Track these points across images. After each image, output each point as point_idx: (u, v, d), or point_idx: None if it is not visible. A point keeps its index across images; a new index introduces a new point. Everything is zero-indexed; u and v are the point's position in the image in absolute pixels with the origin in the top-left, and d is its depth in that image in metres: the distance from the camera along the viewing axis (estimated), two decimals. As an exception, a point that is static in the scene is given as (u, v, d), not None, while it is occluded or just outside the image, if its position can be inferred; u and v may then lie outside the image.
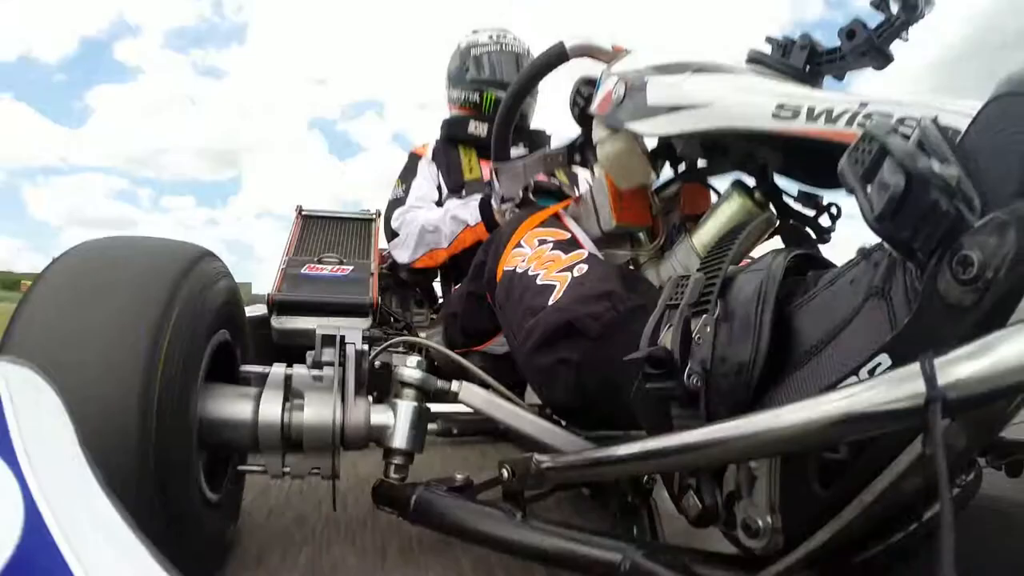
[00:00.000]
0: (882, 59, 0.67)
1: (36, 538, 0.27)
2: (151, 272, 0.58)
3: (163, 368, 0.53)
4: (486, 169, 1.68)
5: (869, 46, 0.66)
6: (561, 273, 0.75)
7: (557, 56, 0.94)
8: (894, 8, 0.65)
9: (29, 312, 0.54)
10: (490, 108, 1.72)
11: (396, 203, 1.68)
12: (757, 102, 0.64)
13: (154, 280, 0.57)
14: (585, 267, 0.74)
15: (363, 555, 0.74)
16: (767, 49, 0.74)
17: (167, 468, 0.53)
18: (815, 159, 0.65)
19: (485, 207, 1.49)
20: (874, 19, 0.67)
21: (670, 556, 0.53)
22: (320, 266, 1.39)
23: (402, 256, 1.63)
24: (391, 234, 1.65)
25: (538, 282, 0.76)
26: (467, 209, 1.53)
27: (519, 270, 0.80)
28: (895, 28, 0.65)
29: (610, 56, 0.87)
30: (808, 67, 0.71)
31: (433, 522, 0.67)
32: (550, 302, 0.72)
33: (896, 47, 0.66)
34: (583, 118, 0.89)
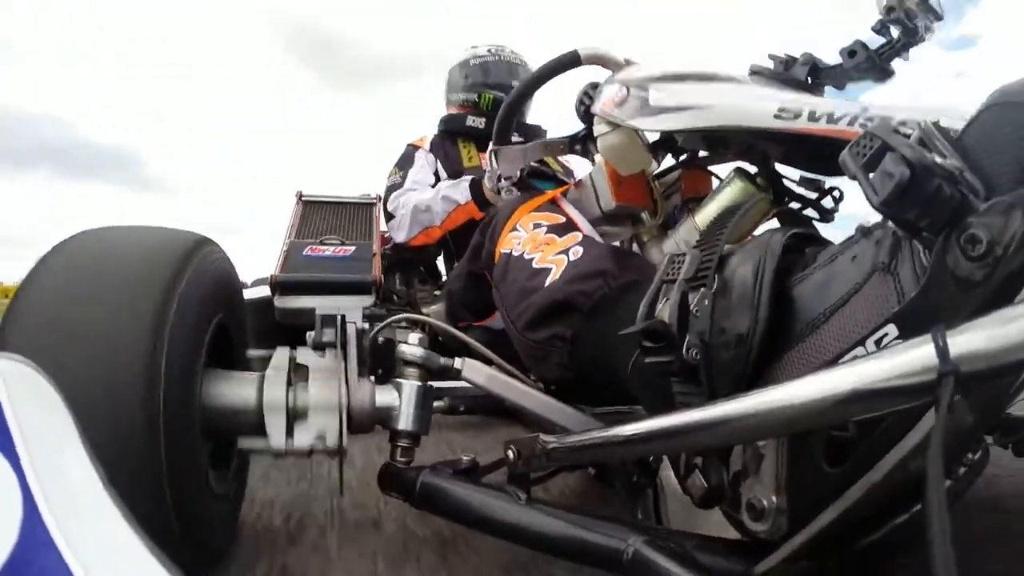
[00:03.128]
0: (883, 74, 0.70)
1: (33, 538, 0.27)
2: (152, 260, 0.57)
3: (167, 354, 0.52)
4: (484, 160, 1.75)
5: (871, 64, 0.68)
6: (557, 256, 0.76)
7: (570, 61, 0.98)
8: (895, 32, 0.68)
9: (28, 302, 0.52)
10: (488, 105, 1.82)
11: (393, 188, 1.76)
12: (759, 104, 0.66)
13: (154, 268, 0.57)
14: (580, 250, 0.75)
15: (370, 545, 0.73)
16: (769, 65, 0.77)
17: (174, 457, 0.52)
18: (815, 151, 0.67)
19: (475, 186, 1.56)
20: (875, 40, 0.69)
21: (674, 543, 0.53)
22: (322, 247, 1.40)
23: (399, 236, 1.71)
24: (388, 216, 1.73)
25: (533, 265, 0.77)
26: (457, 189, 1.60)
27: (515, 253, 0.81)
28: (896, 50, 0.68)
29: (620, 68, 0.91)
30: (810, 80, 0.74)
31: (438, 508, 0.66)
32: (545, 284, 0.74)
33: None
34: (587, 115, 0.93)
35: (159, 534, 0.49)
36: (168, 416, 0.51)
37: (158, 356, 0.51)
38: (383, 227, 1.71)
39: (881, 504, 0.44)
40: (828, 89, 0.75)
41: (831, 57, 0.73)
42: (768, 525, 0.47)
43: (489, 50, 1.92)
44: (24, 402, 0.32)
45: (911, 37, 0.67)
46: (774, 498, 0.47)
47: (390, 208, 1.72)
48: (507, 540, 0.62)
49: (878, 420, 0.42)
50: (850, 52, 0.71)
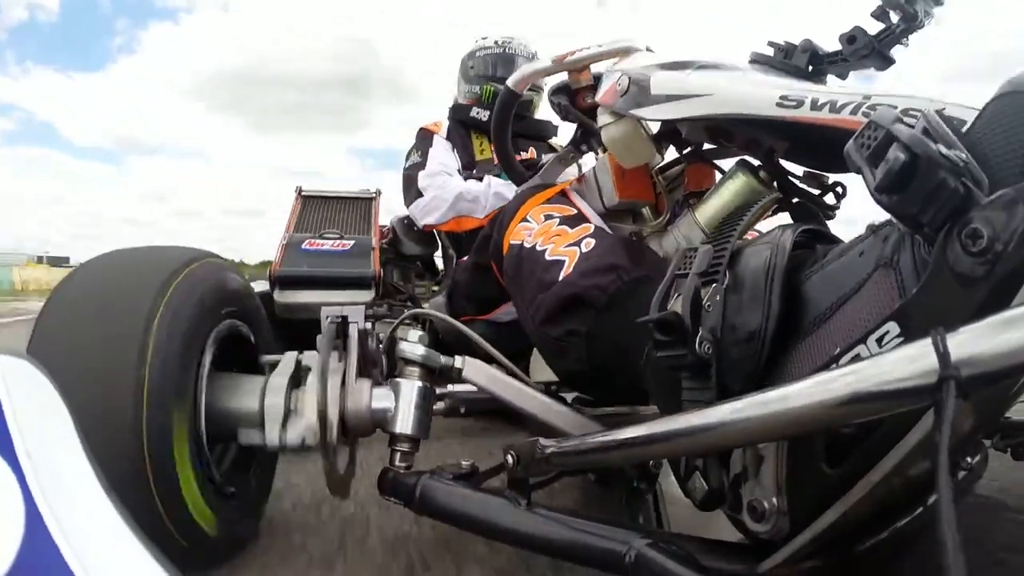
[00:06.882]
0: (883, 61, 0.69)
1: (37, 540, 0.27)
2: (139, 280, 0.63)
3: (150, 364, 0.57)
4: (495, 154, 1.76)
5: (870, 50, 0.67)
6: (569, 248, 0.77)
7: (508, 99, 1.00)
8: (894, 18, 0.67)
9: (46, 318, 0.61)
10: (489, 98, 1.85)
11: (417, 167, 1.73)
12: (761, 92, 0.65)
13: (141, 287, 0.62)
14: (592, 241, 0.76)
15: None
16: (769, 53, 0.75)
17: (160, 455, 0.57)
18: (820, 145, 0.66)
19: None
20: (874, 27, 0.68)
21: (675, 545, 0.52)
22: (321, 241, 1.39)
23: (427, 218, 1.65)
24: (416, 194, 1.68)
25: (547, 257, 0.78)
26: (510, 190, 1.59)
27: (527, 244, 0.82)
28: (896, 35, 0.67)
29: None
30: (810, 68, 0.72)
31: (438, 512, 0.66)
32: (560, 277, 0.74)
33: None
34: (567, 115, 0.95)
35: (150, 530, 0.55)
36: (151, 418, 0.57)
37: (142, 367, 0.57)
38: (383, 221, 1.71)
39: (883, 505, 0.44)
40: (830, 78, 0.74)
41: (831, 45, 0.72)
42: (770, 526, 0.47)
43: (496, 42, 1.93)
44: (23, 400, 0.32)
45: (910, 22, 0.66)
46: (775, 500, 0.47)
47: (422, 185, 1.66)
48: (508, 544, 0.61)
49: (878, 421, 0.41)
50: (849, 38, 0.70)
